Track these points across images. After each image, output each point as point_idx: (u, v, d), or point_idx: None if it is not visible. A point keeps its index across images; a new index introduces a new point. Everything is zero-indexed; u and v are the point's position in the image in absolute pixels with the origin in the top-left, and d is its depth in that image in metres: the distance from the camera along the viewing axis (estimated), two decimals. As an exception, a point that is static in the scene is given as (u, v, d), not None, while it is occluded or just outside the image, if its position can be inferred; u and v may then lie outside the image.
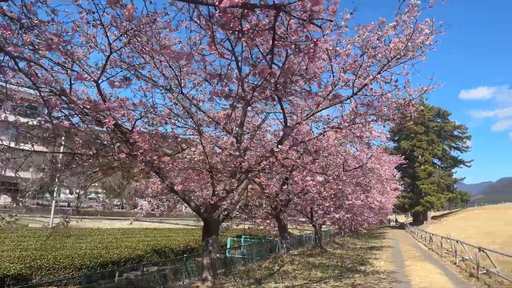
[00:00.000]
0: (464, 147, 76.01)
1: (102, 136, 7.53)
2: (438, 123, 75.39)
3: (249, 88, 7.80)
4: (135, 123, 7.13)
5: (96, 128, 7.17)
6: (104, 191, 44.62)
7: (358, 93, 7.92)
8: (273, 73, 6.23)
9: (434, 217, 70.72)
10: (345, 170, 14.95)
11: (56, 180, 8.23)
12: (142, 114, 7.60)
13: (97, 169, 8.19)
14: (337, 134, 13.67)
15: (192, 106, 8.91)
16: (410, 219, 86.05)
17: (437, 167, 74.58)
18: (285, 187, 16.47)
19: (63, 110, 6.60)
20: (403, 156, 31.47)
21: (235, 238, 25.41)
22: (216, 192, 8.85)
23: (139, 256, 16.37)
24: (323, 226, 30.00)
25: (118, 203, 58.54)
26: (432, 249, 25.90)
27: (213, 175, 8.46)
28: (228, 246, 23.21)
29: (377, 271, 15.34)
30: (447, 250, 21.72)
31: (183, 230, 30.36)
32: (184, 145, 9.23)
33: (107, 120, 5.93)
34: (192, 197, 9.85)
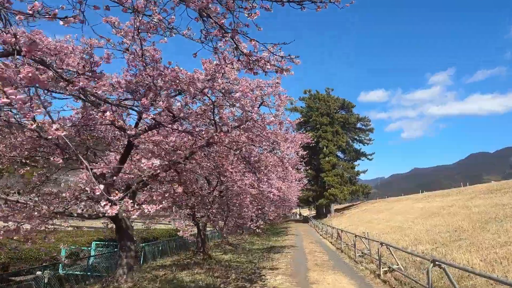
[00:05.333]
0: (367, 139, 76.13)
1: None
2: (342, 114, 74.46)
3: None
4: None
5: None
6: None
7: None
8: None
9: (336, 210, 69.50)
10: (220, 131, 8.73)
11: None
12: None
13: None
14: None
15: None
16: (314, 212, 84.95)
17: (341, 159, 73.66)
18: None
19: None
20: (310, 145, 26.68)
21: (90, 247, 18.76)
22: None
23: None
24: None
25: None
26: (342, 249, 21.21)
27: None
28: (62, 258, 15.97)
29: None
30: (362, 253, 16.94)
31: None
32: None
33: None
34: None
